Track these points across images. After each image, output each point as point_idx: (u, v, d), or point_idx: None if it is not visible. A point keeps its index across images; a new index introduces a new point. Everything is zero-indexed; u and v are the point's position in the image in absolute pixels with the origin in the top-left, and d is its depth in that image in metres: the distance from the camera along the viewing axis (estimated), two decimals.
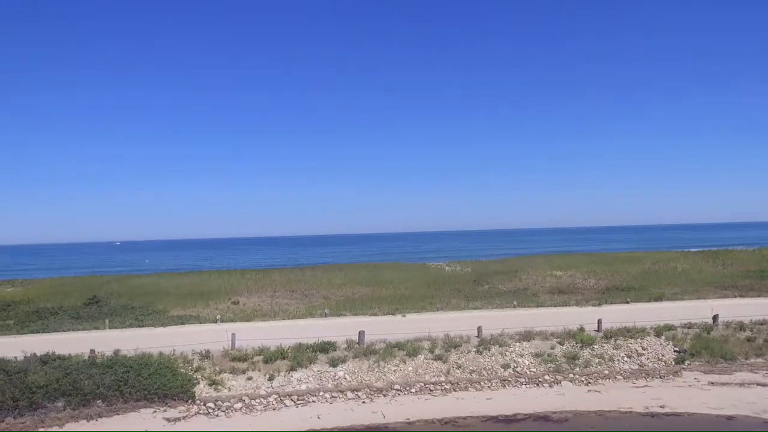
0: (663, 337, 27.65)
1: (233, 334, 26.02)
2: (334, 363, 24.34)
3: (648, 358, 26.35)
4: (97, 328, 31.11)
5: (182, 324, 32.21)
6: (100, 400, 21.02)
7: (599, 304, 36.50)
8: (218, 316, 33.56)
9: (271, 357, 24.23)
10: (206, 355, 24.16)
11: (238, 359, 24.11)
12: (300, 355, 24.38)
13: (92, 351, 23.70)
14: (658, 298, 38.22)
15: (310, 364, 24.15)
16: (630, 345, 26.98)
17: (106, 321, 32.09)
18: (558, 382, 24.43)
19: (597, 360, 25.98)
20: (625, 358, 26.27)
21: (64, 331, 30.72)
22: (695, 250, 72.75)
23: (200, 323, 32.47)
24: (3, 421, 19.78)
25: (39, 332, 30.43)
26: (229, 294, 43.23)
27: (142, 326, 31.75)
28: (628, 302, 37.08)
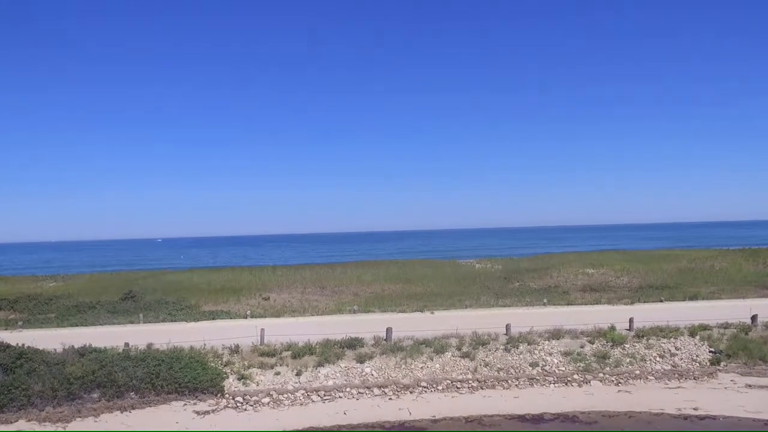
0: (698, 337, 26.93)
1: (262, 330, 26.41)
2: (361, 359, 24.48)
3: (681, 359, 25.72)
4: (132, 323, 31.99)
5: (213, 319, 32.87)
6: (133, 392, 21.65)
7: (632, 303, 35.82)
8: (248, 312, 34.10)
9: (299, 352, 24.53)
10: (236, 350, 24.61)
11: (267, 354, 24.47)
12: (327, 351, 24.61)
13: (126, 344, 24.44)
14: (694, 297, 37.25)
15: (338, 360, 24.34)
16: (663, 345, 26.38)
17: (141, 315, 32.98)
18: (587, 382, 24.05)
19: (628, 360, 25.48)
20: (658, 358, 25.69)
21: (100, 324, 31.74)
22: (734, 248, 70.46)
23: (231, 318, 33.08)
24: (43, 410, 20.56)
25: (77, 326, 31.59)
26: (260, 290, 43.83)
27: (175, 321, 32.55)
28: (662, 301, 36.27)
